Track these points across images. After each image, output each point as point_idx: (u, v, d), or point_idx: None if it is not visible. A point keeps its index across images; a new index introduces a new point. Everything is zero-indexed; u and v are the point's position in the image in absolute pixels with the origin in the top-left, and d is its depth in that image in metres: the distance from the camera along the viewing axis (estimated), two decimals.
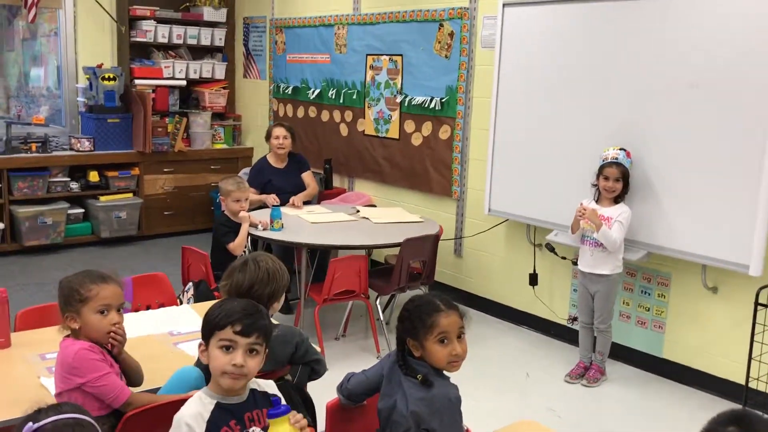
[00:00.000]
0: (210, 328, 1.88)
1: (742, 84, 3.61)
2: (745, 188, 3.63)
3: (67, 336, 2.26)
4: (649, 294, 4.29)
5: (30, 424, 1.46)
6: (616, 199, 3.97)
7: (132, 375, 2.36)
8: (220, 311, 1.89)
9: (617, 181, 3.91)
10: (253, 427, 1.86)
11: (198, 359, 2.46)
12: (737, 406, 3.56)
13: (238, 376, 1.83)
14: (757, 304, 3.41)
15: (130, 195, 6.74)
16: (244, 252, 4.30)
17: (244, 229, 4.25)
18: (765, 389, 3.56)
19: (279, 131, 5.36)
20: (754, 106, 3.57)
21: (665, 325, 4.23)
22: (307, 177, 5.51)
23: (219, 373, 1.85)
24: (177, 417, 1.85)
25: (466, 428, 2.15)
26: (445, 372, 2.08)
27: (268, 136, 5.45)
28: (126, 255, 6.34)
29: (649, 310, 4.30)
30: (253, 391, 1.93)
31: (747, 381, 3.47)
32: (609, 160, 3.94)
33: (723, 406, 3.74)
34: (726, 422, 1.52)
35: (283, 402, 1.84)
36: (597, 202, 4.03)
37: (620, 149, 3.97)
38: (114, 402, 2.18)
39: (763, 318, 3.47)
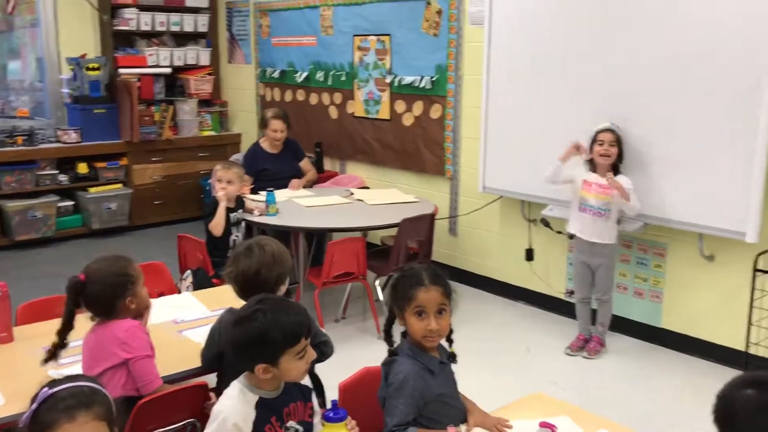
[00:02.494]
0: (280, 347, 1.81)
1: (733, 51, 3.62)
2: (739, 156, 3.65)
3: (98, 323, 2.30)
4: (646, 265, 4.32)
5: (45, 389, 1.47)
6: (614, 171, 3.97)
7: None
8: (280, 330, 1.81)
9: (612, 145, 3.92)
10: (290, 422, 1.87)
11: (204, 353, 2.47)
12: (738, 372, 3.61)
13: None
14: (755, 270, 3.44)
15: (120, 186, 6.69)
16: (236, 238, 4.29)
17: (221, 208, 4.21)
18: (765, 354, 3.61)
19: (277, 124, 5.28)
20: (746, 71, 3.57)
21: (663, 295, 4.26)
22: (306, 164, 5.51)
23: (300, 375, 1.88)
24: (221, 414, 1.83)
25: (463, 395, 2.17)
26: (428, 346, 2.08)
27: (264, 124, 5.38)
28: (118, 246, 6.30)
29: (646, 280, 4.34)
30: (287, 382, 1.93)
31: (747, 346, 3.51)
32: (602, 128, 3.96)
33: (723, 372, 3.83)
34: (743, 385, 1.53)
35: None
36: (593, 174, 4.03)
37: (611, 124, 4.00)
38: (146, 386, 2.22)
39: (762, 284, 3.50)
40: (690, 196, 3.88)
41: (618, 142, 3.94)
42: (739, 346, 3.67)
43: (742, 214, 3.66)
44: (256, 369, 1.83)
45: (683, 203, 3.92)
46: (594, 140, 3.97)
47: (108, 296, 2.27)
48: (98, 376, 2.18)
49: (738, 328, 3.75)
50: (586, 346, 4.17)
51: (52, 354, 2.24)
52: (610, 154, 3.93)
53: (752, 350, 3.55)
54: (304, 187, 5.32)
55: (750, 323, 3.52)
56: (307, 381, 2.02)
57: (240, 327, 1.85)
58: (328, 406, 2.43)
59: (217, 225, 4.19)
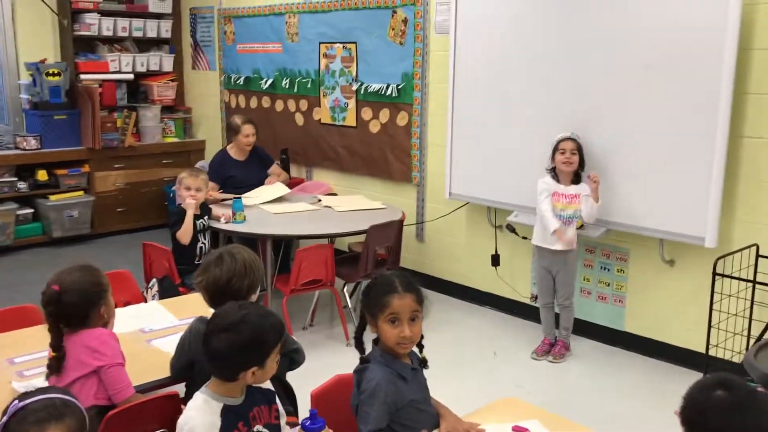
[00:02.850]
0: (267, 349, 1.87)
1: (692, 60, 3.72)
2: (698, 163, 3.74)
3: (67, 333, 2.27)
4: (609, 269, 4.41)
5: (15, 402, 1.45)
6: (576, 179, 4.04)
7: None
8: (270, 330, 1.87)
9: (573, 153, 3.99)
10: (257, 426, 1.87)
11: (174, 363, 2.45)
12: (699, 374, 3.70)
13: None
14: (714, 274, 3.54)
15: (81, 193, 6.58)
16: (203, 245, 4.26)
17: (189, 216, 4.18)
18: (724, 356, 3.70)
19: (250, 129, 5.27)
20: (705, 79, 3.67)
21: (626, 299, 4.35)
22: (275, 169, 5.51)
23: (272, 373, 1.92)
24: (186, 425, 1.82)
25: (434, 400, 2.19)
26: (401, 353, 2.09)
27: (235, 131, 5.34)
28: (80, 254, 6.19)
29: (609, 285, 4.42)
30: (248, 387, 1.93)
31: (707, 348, 3.60)
32: (562, 137, 4.03)
33: (685, 374, 3.92)
34: (712, 387, 1.58)
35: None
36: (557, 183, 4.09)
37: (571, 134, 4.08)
38: (118, 394, 2.21)
39: (720, 287, 3.60)
40: (651, 202, 3.97)
41: (579, 150, 4.02)
42: (700, 348, 3.75)
43: (701, 220, 3.76)
44: (245, 374, 1.84)
45: (644, 209, 4.00)
46: (555, 149, 4.04)
47: (83, 306, 2.26)
48: (69, 386, 2.16)
49: (698, 331, 3.84)
50: (552, 350, 4.23)
51: (54, 366, 2.19)
52: (572, 162, 4.00)
53: (712, 352, 3.63)
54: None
55: (710, 326, 3.60)
56: (269, 385, 2.02)
57: (231, 333, 1.84)
58: (301, 414, 2.44)
59: (185, 233, 4.15)
